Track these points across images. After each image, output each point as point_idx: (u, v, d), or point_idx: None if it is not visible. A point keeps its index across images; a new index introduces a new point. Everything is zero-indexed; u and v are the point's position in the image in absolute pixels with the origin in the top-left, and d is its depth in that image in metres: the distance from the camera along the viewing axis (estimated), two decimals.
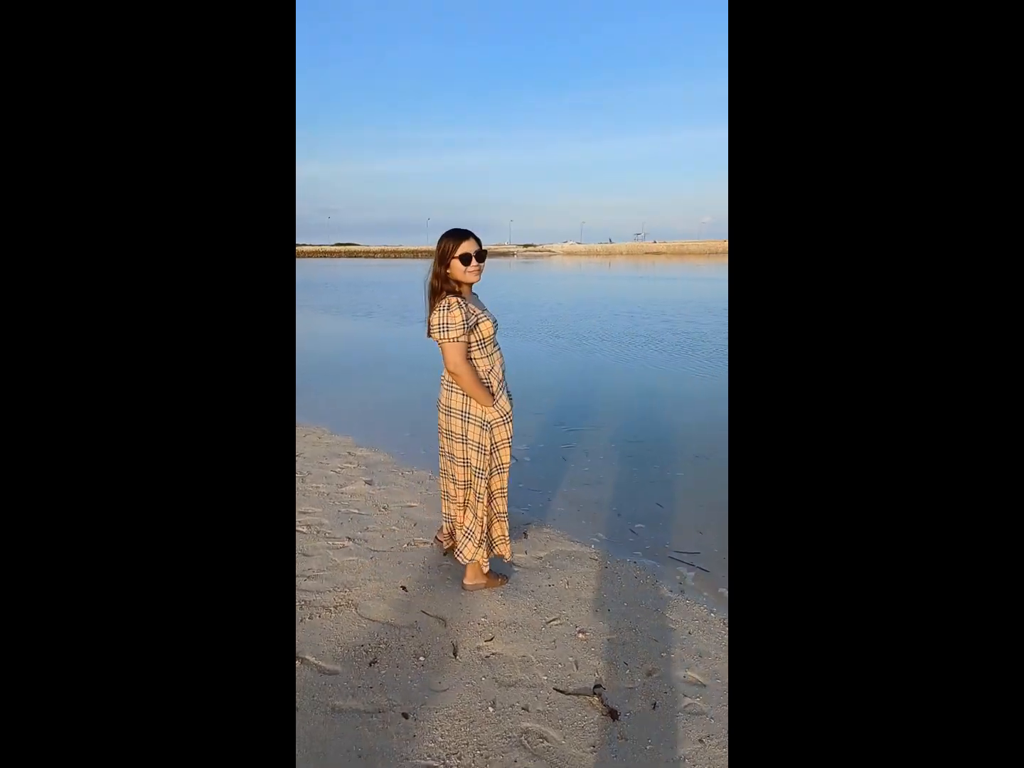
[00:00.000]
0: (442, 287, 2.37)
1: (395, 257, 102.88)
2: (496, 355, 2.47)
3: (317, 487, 3.88)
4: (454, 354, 2.30)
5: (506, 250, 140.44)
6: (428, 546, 3.10)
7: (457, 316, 2.28)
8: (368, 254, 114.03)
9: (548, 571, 2.90)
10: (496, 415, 2.45)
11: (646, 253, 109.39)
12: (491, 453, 2.48)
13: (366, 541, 3.14)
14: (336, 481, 4.00)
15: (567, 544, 3.20)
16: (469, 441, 2.46)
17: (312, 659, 2.21)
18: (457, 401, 2.45)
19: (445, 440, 2.54)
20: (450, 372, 2.34)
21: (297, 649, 2.25)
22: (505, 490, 2.58)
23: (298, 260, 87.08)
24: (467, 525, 2.61)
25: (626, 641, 2.36)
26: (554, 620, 2.49)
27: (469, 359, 2.38)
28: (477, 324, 2.36)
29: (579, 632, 2.41)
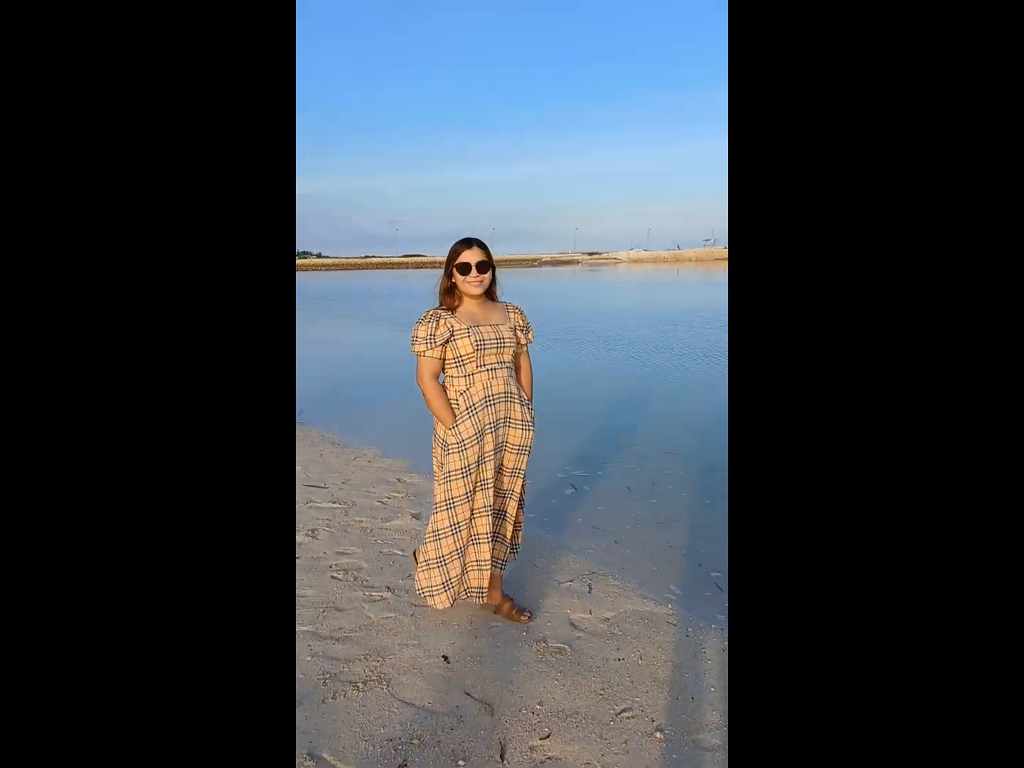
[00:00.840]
0: (443, 297, 2.30)
1: None
2: (480, 376, 2.28)
3: (360, 521, 3.55)
4: (419, 367, 2.26)
5: (571, 258, 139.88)
6: (479, 600, 2.70)
7: (423, 330, 2.23)
8: (435, 264, 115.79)
9: (617, 639, 2.44)
10: (452, 440, 2.27)
11: (716, 259, 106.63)
12: (445, 481, 2.31)
13: (407, 592, 2.76)
14: (381, 514, 3.66)
15: (638, 602, 2.73)
16: (435, 459, 2.38)
17: (329, 758, 1.83)
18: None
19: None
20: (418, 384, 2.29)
21: (314, 742, 1.88)
22: (486, 536, 2.37)
23: (369, 272, 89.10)
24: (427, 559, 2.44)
25: (716, 745, 1.88)
26: (625, 711, 2.03)
27: (446, 375, 2.31)
28: (452, 340, 2.24)
29: (657, 731, 1.94)
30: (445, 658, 2.29)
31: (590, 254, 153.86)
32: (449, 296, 2.29)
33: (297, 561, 3.05)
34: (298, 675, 2.18)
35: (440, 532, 2.34)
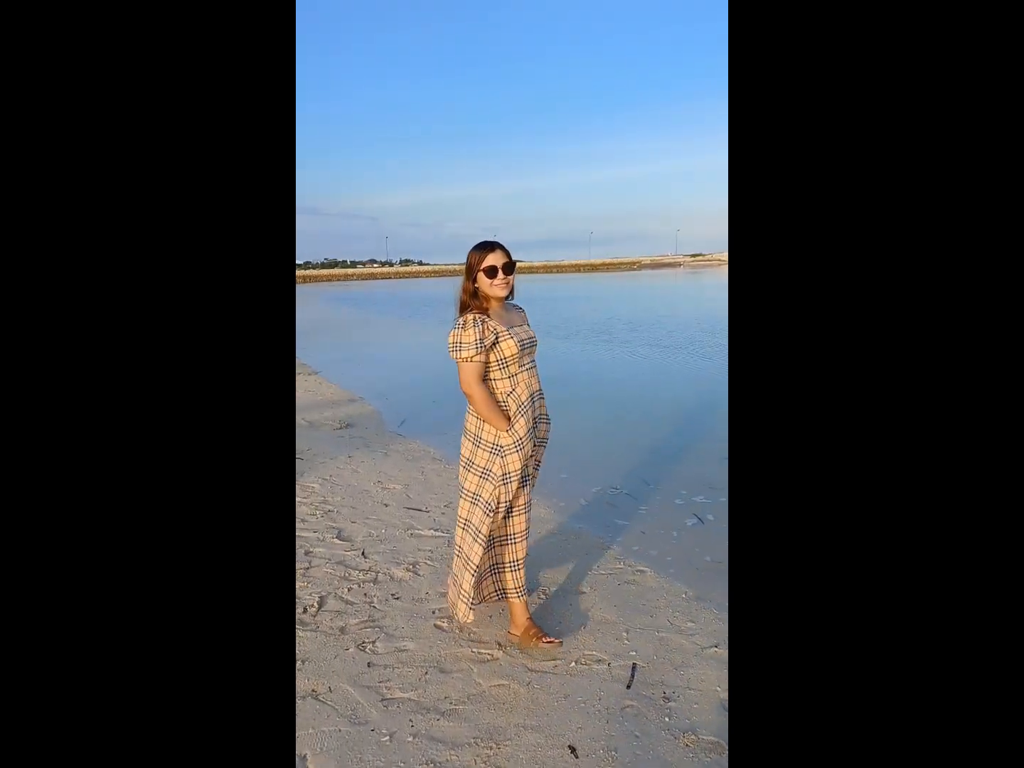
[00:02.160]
0: (470, 302, 2.26)
1: (557, 272, 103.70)
2: (522, 376, 2.30)
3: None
4: (466, 374, 2.21)
5: (672, 261, 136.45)
6: (605, 667, 2.26)
7: (470, 335, 2.17)
8: (531, 270, 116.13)
9: None
10: (509, 440, 2.24)
11: None
12: (502, 484, 2.25)
13: (520, 652, 2.37)
14: None
15: None
16: (474, 467, 2.30)
17: None
18: (472, 423, 2.33)
19: (461, 471, 2.39)
20: (463, 392, 2.24)
21: None
22: (524, 534, 2.41)
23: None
24: (455, 573, 2.43)
25: None
26: None
27: (488, 379, 2.27)
28: (497, 343, 2.22)
29: None
30: (572, 750, 1.87)
31: (693, 256, 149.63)
32: (475, 300, 2.26)
33: (398, 603, 2.72)
34: (398, 764, 1.83)
35: (482, 538, 2.28)
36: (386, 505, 3.89)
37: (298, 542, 3.32)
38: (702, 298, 26.81)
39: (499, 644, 2.41)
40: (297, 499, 3.99)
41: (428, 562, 3.11)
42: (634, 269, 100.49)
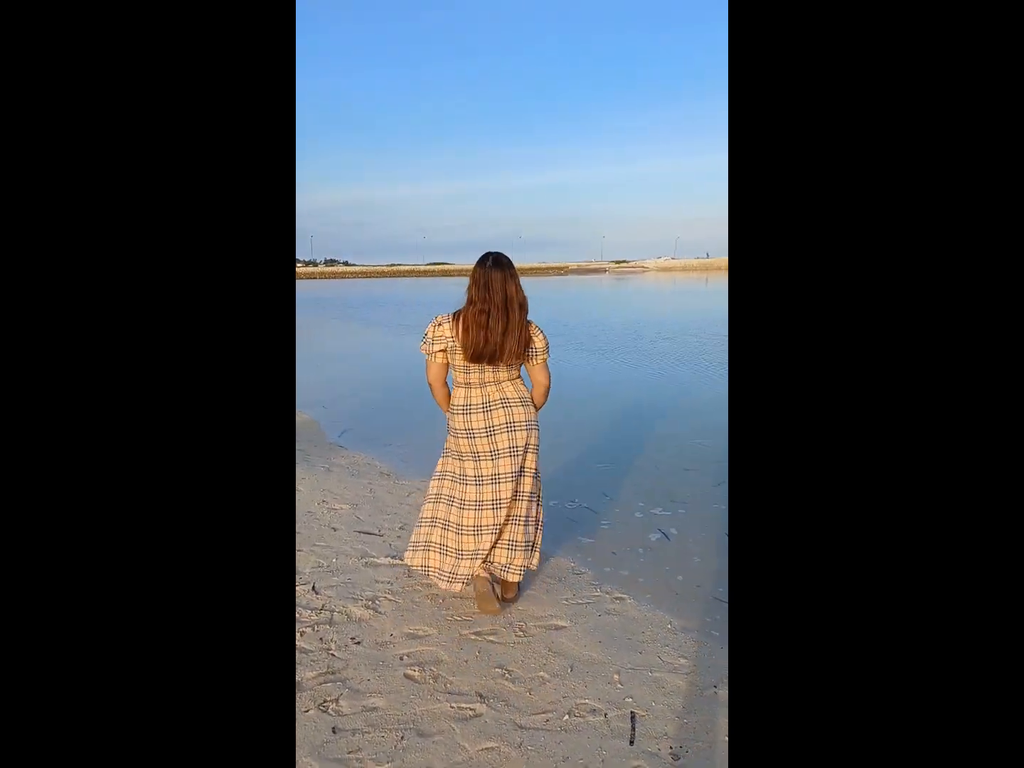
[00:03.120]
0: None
1: None
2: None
3: (429, 587, 2.90)
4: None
5: (597, 267, 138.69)
6: (602, 718, 2.03)
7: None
8: (462, 273, 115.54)
9: None
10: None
11: None
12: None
13: (506, 703, 2.10)
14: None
15: None
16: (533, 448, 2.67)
17: None
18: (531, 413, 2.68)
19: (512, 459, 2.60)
20: None
21: None
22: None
23: (398, 280, 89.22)
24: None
25: None
26: None
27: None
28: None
29: None
30: None
31: (617, 262, 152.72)
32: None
33: (360, 648, 2.40)
34: None
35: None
36: (335, 529, 3.54)
37: None
38: (628, 303, 27.20)
39: (480, 695, 2.14)
40: None
41: (389, 597, 2.80)
42: (562, 274, 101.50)
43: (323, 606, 2.71)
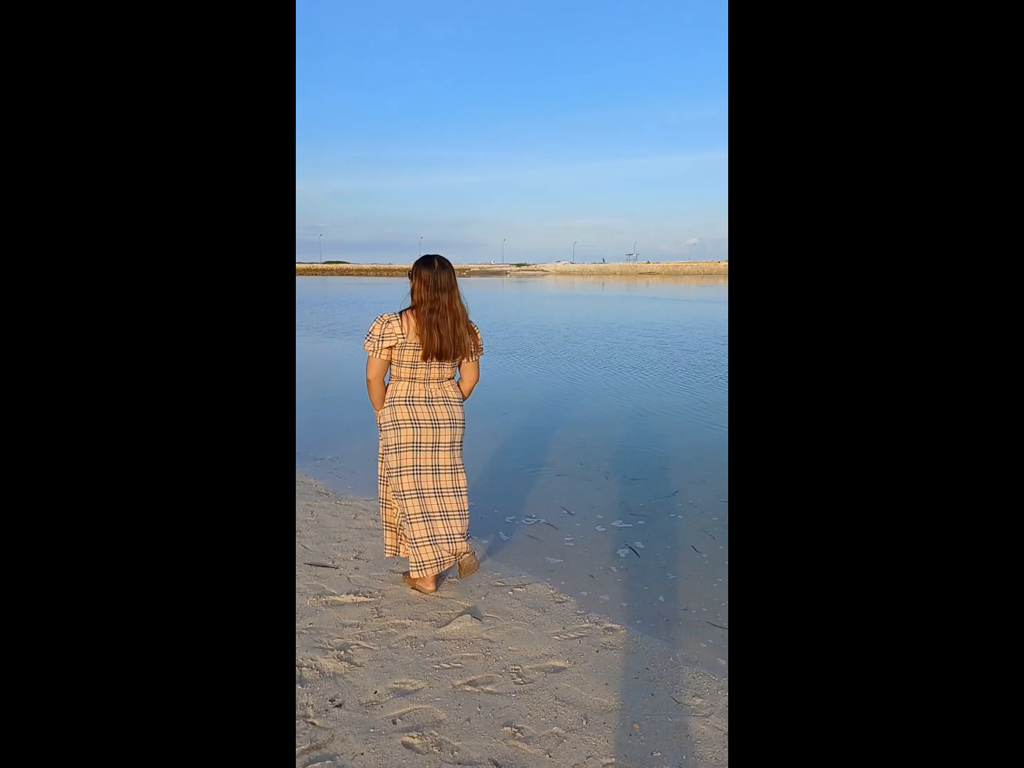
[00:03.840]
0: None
1: (388, 275, 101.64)
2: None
3: (405, 627, 2.58)
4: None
5: (499, 269, 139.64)
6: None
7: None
8: (360, 272, 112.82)
9: None
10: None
11: (640, 273, 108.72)
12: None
13: (524, 767, 1.84)
14: (428, 613, 2.70)
15: None
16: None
17: None
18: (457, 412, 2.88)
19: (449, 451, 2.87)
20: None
21: None
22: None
23: (297, 278, 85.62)
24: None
25: None
26: None
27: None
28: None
29: None
30: None
31: (518, 266, 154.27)
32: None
33: (342, 712, 2.07)
34: None
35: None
36: None
37: None
38: (532, 305, 27.36)
39: (495, 763, 1.87)
40: None
41: (362, 643, 2.46)
42: (464, 276, 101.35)
43: None
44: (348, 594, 2.84)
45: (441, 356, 2.69)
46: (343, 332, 15.41)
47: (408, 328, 2.66)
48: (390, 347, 2.67)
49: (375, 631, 2.54)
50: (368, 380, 2.75)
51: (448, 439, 2.80)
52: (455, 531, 2.79)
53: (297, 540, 3.39)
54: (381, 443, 2.80)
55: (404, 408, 2.74)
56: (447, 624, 2.61)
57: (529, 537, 3.65)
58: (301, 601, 2.76)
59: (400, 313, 2.70)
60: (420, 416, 2.74)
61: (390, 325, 2.65)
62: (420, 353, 2.67)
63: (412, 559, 2.77)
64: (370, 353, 2.69)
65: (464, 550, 2.80)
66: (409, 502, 2.77)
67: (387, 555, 3.04)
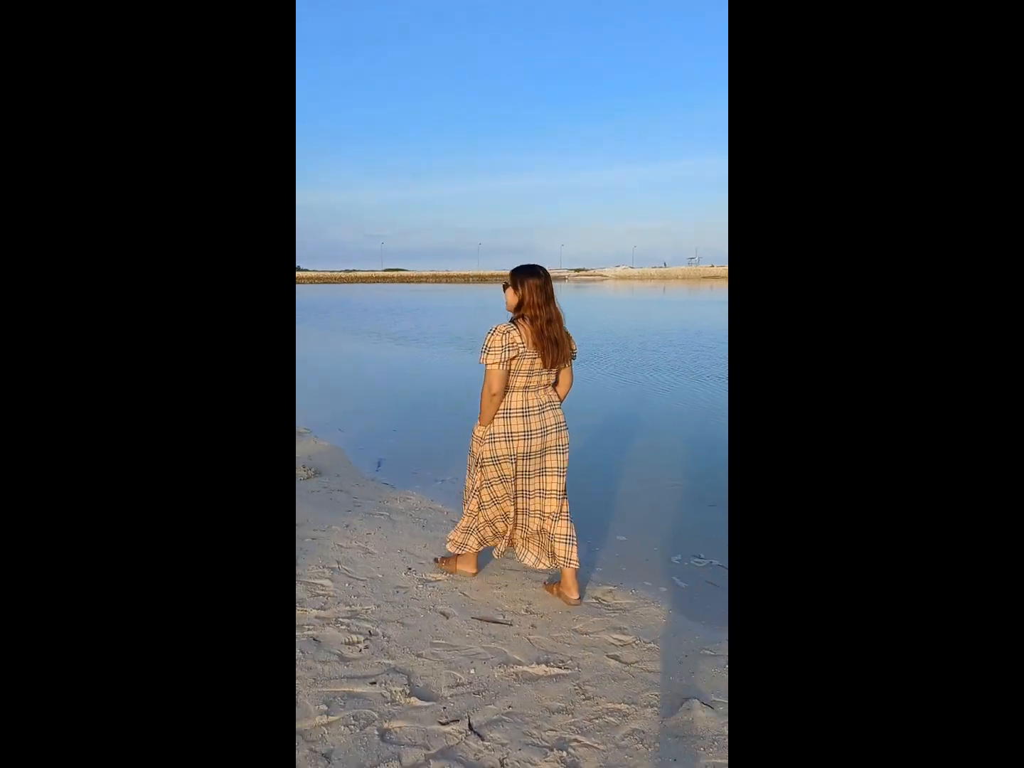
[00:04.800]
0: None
1: (447, 282, 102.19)
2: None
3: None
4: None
5: (557, 275, 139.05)
6: None
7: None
8: (420, 279, 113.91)
9: None
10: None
11: (703, 277, 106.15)
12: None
13: None
14: (642, 695, 2.22)
15: None
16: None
17: None
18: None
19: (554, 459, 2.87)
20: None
21: None
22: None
23: (357, 285, 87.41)
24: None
25: None
26: None
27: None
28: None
29: None
30: None
31: (577, 271, 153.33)
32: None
33: None
34: None
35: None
36: (446, 616, 2.71)
37: (350, 707, 2.09)
38: (597, 310, 26.74)
39: None
40: (312, 610, 2.71)
41: (581, 738, 1.99)
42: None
43: (501, 762, 1.88)
44: (538, 663, 2.37)
45: (554, 363, 2.73)
46: (412, 339, 15.22)
47: (526, 337, 2.67)
48: (512, 358, 2.64)
49: (590, 720, 2.07)
50: (492, 394, 2.68)
51: (555, 443, 2.82)
52: (557, 531, 2.84)
53: (451, 587, 2.97)
54: (482, 454, 2.79)
55: (520, 420, 2.74)
56: (674, 713, 2.11)
57: (709, 584, 3.14)
58: (487, 671, 2.31)
59: (512, 322, 2.71)
60: (533, 427, 2.76)
61: (510, 335, 2.64)
62: (538, 362, 2.69)
63: (472, 531, 2.95)
64: (492, 366, 2.64)
65: (572, 557, 2.82)
66: (503, 505, 2.88)
67: (450, 548, 3.04)
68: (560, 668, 2.35)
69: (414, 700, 2.14)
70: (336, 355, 12.91)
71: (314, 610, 2.72)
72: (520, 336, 2.65)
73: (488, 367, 2.65)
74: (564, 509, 2.86)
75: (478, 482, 2.84)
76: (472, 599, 2.87)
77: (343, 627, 2.59)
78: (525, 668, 2.35)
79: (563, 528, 2.84)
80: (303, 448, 5.40)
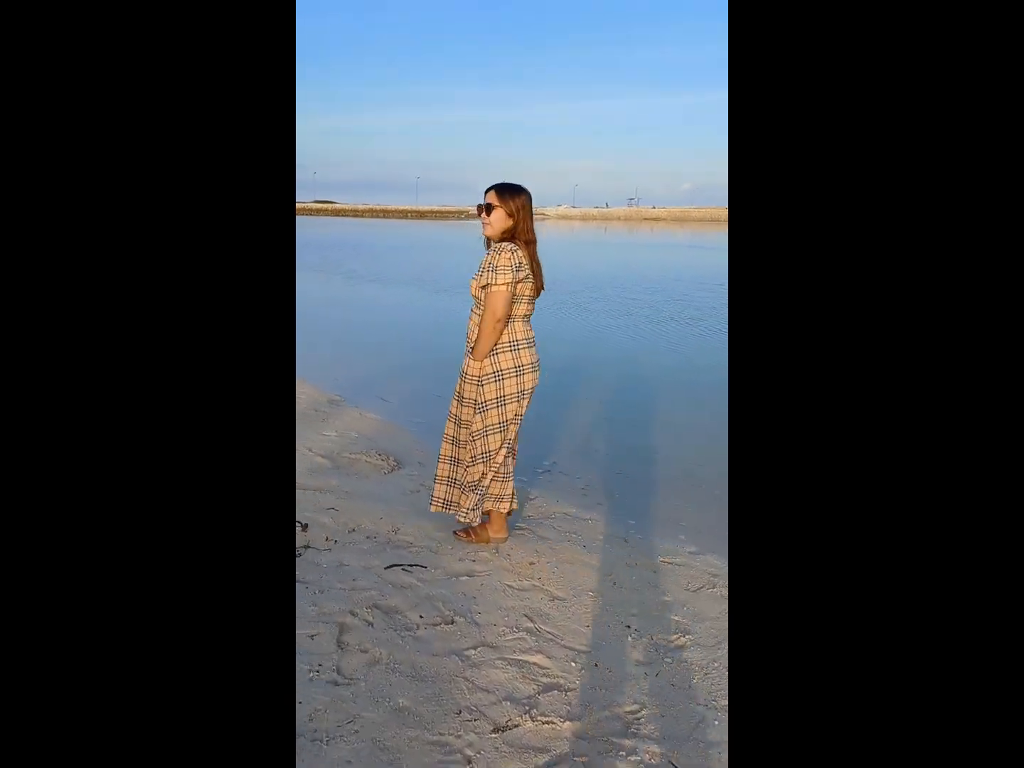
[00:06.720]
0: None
1: (383, 216, 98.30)
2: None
3: None
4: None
5: None
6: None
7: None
8: (356, 213, 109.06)
9: None
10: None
11: (645, 219, 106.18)
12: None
13: None
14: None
15: None
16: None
17: None
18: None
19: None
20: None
21: None
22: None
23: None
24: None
25: None
26: None
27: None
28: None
29: None
30: None
31: None
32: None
33: None
34: None
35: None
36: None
37: None
38: (563, 252, 26.39)
39: None
40: (457, 659, 2.40)
41: None
42: (460, 219, 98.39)
43: None
44: None
45: (540, 290, 2.62)
46: (372, 278, 14.56)
47: (527, 260, 2.49)
48: (519, 280, 2.46)
49: None
50: (497, 320, 2.43)
51: (536, 382, 2.71)
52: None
53: (619, 608, 2.74)
54: (487, 394, 2.55)
55: (527, 352, 2.57)
56: None
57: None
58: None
59: (513, 240, 2.51)
60: (537, 360, 2.63)
61: (519, 254, 2.45)
62: (534, 287, 2.53)
63: (496, 493, 2.78)
64: (501, 287, 2.39)
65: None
66: (504, 452, 2.70)
67: (433, 509, 2.84)
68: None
69: None
70: (306, 297, 12.19)
71: (456, 658, 2.43)
72: (524, 257, 2.48)
73: (495, 288, 2.39)
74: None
75: (479, 427, 2.62)
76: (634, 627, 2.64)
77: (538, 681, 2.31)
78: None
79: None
80: (349, 423, 4.89)
